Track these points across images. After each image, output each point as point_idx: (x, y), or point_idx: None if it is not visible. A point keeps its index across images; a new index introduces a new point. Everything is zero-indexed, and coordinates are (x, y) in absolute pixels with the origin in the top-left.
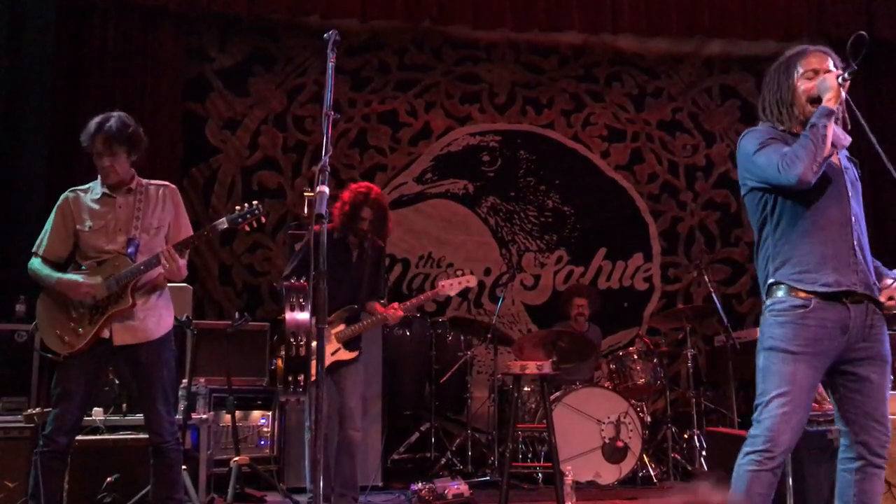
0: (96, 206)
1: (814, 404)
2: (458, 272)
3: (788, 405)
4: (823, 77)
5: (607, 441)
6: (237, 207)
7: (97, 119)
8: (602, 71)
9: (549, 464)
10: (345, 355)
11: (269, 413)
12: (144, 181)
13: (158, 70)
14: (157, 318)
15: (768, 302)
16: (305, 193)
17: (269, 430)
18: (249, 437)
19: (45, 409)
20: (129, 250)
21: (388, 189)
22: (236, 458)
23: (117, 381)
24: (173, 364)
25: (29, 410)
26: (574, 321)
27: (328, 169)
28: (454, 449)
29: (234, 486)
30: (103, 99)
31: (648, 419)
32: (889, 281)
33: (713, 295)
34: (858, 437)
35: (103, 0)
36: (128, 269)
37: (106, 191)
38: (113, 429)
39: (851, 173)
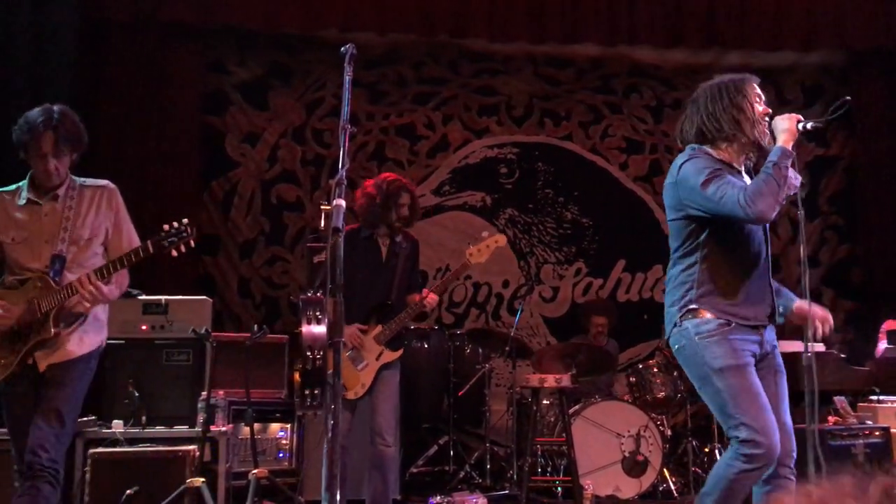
0: (19, 215)
1: (836, 418)
2: (485, 233)
3: (768, 409)
4: (782, 117)
5: (627, 455)
6: (164, 227)
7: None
8: (620, 82)
9: (569, 478)
10: (390, 356)
11: (288, 426)
12: (79, 181)
13: (177, 84)
14: (78, 338)
15: (689, 325)
16: (322, 207)
17: (288, 442)
18: (268, 450)
19: None
20: (53, 269)
21: None
22: (255, 471)
23: (137, 394)
24: (84, 383)
25: None
26: (593, 338)
27: (345, 182)
28: (473, 462)
29: (252, 499)
30: (123, 113)
31: (669, 432)
32: (800, 304)
33: None
34: None
35: (123, 16)
36: (49, 297)
37: (32, 196)
38: (132, 441)
39: None
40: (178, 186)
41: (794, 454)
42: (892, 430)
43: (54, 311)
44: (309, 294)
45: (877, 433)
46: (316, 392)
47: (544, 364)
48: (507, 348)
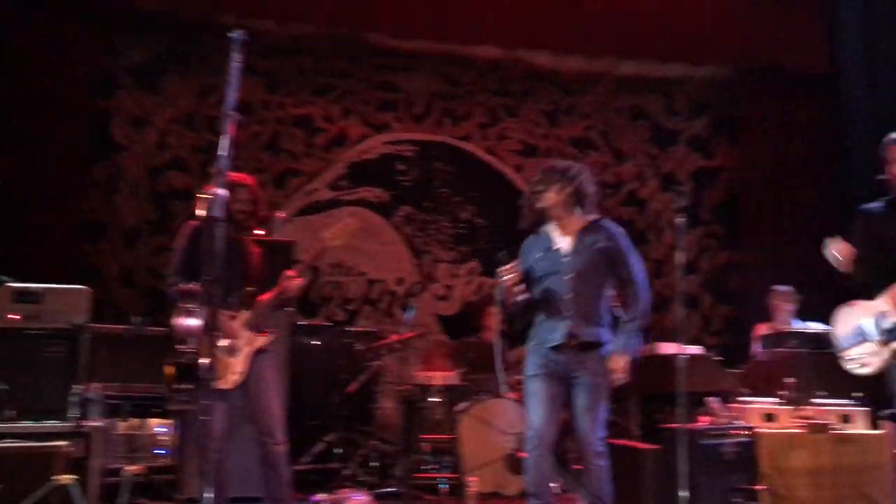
0: None
1: (709, 418)
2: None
3: (540, 409)
4: None
5: (511, 452)
6: None
7: None
8: (517, 86)
9: (455, 475)
10: (261, 341)
11: (168, 421)
12: None
13: (69, 63)
14: None
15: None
16: (199, 195)
17: (167, 438)
18: (146, 446)
19: None
20: None
21: (300, 194)
22: (129, 468)
23: (5, 387)
24: None
25: None
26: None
27: (223, 171)
28: (361, 459)
29: (125, 496)
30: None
31: None
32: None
33: None
34: None
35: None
36: None
37: None
38: None
39: None
40: (60, 169)
41: (594, 447)
42: (758, 430)
43: None
44: (182, 285)
45: (744, 433)
46: (189, 387)
47: (434, 362)
48: (397, 346)
